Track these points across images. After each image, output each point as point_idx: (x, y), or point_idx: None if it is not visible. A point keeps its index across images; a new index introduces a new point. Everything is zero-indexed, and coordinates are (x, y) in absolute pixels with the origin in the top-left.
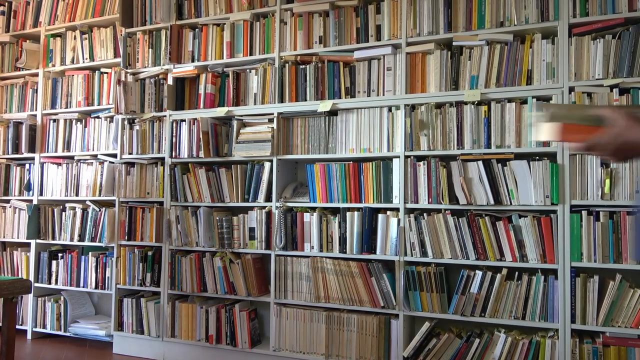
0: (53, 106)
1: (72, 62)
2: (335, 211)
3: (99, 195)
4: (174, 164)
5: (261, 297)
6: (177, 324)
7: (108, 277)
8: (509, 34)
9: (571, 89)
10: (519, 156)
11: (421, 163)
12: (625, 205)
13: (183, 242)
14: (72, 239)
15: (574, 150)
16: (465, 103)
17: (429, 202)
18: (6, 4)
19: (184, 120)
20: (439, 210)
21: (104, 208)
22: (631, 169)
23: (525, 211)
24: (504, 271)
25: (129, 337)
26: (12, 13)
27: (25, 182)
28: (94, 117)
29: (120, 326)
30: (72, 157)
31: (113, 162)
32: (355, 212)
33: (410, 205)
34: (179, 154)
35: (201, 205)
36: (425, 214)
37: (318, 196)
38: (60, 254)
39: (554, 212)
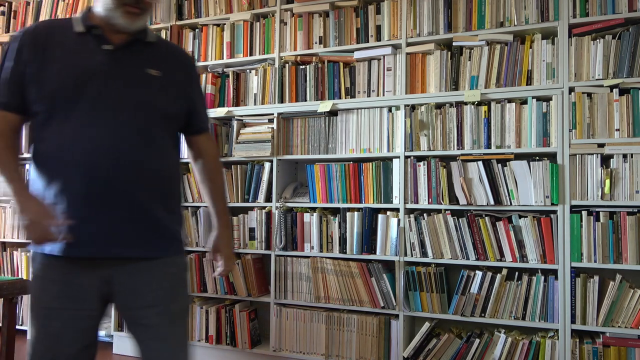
0: None
1: None
2: (335, 211)
3: None
4: None
5: (261, 297)
6: None
7: None
8: (509, 34)
9: (571, 90)
10: (519, 156)
11: (421, 163)
12: (625, 205)
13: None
14: None
15: None
16: (465, 103)
17: (429, 203)
18: (6, 4)
19: None
20: (439, 211)
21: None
22: (631, 169)
23: (525, 211)
24: (504, 271)
25: (129, 337)
26: (12, 13)
27: (25, 182)
28: None
29: (120, 326)
30: None
31: None
32: (355, 213)
33: (410, 206)
34: (179, 154)
35: (201, 205)
36: (425, 214)
37: (318, 196)
38: None
39: (554, 212)
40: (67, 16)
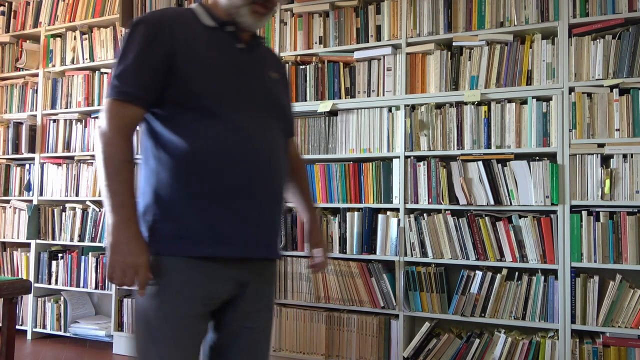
0: (53, 106)
1: (72, 62)
2: (335, 211)
3: (99, 195)
4: None
5: None
6: None
7: None
8: (509, 34)
9: (571, 90)
10: (519, 156)
11: (421, 163)
12: (625, 205)
13: None
14: (72, 239)
15: None
16: (465, 103)
17: (429, 203)
18: (6, 4)
19: None
20: (439, 211)
21: (104, 208)
22: (631, 169)
23: (525, 211)
24: (504, 271)
25: (129, 337)
26: (12, 13)
27: (25, 182)
28: (94, 118)
29: (120, 326)
30: (72, 157)
31: None
32: (355, 213)
33: (410, 206)
34: None
35: None
36: (425, 214)
37: (318, 196)
38: (60, 254)
39: (554, 212)
40: (68, 16)
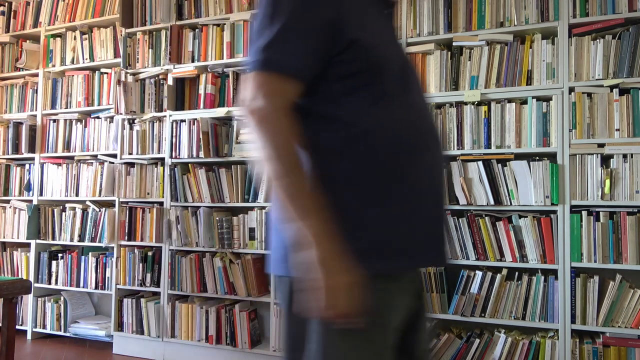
0: (53, 106)
1: (72, 62)
2: None
3: (99, 195)
4: (174, 164)
5: (261, 297)
6: (177, 324)
7: (108, 278)
8: (509, 34)
9: (571, 90)
10: (519, 156)
11: None
12: (625, 205)
13: (183, 243)
14: (72, 239)
15: None
16: (465, 103)
17: None
18: (6, 4)
19: (184, 121)
20: None
21: (104, 208)
22: (631, 169)
23: (525, 211)
24: (504, 271)
25: (129, 337)
26: (12, 13)
27: (25, 182)
28: (94, 118)
29: (120, 326)
30: (72, 158)
31: (113, 162)
32: None
33: None
34: (179, 154)
35: (201, 205)
36: None
37: None
38: (60, 254)
39: (554, 212)
40: (68, 16)
